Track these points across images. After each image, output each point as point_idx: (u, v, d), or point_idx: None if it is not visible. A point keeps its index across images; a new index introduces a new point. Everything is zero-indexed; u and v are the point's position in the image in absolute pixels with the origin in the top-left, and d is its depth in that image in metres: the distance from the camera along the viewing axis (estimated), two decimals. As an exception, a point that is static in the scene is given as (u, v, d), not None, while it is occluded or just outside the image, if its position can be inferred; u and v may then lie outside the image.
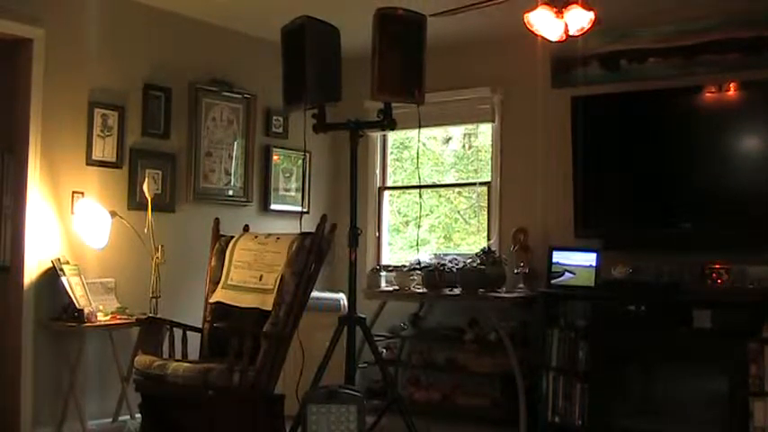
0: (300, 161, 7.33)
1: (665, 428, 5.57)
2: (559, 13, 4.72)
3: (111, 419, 5.80)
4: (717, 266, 5.69)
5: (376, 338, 5.44)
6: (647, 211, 6.09)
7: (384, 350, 6.84)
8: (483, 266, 6.36)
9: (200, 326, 5.55)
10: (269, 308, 5.10)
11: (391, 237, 7.82)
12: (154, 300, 5.83)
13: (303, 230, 5.25)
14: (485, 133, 7.28)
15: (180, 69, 6.44)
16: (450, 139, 7.66)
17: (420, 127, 5.12)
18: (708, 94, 5.92)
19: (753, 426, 5.29)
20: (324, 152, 7.59)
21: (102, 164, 5.93)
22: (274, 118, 7.17)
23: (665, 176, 6.03)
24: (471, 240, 7.38)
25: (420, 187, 7.24)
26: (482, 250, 6.56)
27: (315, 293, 5.38)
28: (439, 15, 5.03)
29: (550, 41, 5.03)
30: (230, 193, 6.83)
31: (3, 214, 5.67)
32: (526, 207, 6.75)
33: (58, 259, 5.56)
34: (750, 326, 5.39)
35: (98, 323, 5.51)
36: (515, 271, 6.51)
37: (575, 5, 4.68)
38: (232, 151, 6.83)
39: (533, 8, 4.75)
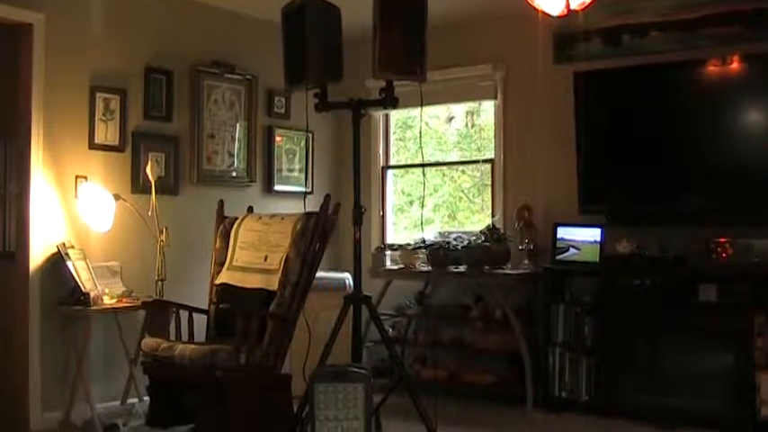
0: (303, 142, 7.32)
1: (671, 402, 5.58)
2: (560, -13, 4.69)
3: (119, 402, 5.82)
4: (722, 240, 5.69)
5: (382, 317, 5.44)
6: (650, 185, 6.07)
7: (390, 329, 6.85)
8: (488, 243, 6.37)
9: (206, 308, 5.57)
10: (274, 288, 5.12)
11: (395, 217, 7.82)
12: (159, 282, 5.84)
13: (307, 210, 5.25)
14: (487, 111, 7.26)
15: (181, 52, 6.42)
16: (452, 117, 7.63)
17: (422, 105, 5.11)
18: (711, 68, 5.90)
19: (759, 399, 5.31)
20: (326, 132, 7.58)
21: (104, 147, 5.92)
22: (276, 99, 7.16)
23: (669, 151, 6.01)
24: (476, 219, 7.38)
25: (423, 166, 7.23)
26: (486, 227, 6.57)
27: (320, 273, 5.39)
28: (439, -8, 5.02)
29: (552, 17, 5.01)
30: (234, 174, 6.83)
31: (7, 200, 5.67)
32: (530, 184, 6.74)
33: (63, 244, 5.57)
34: (755, 299, 5.40)
35: (104, 306, 5.52)
36: (520, 247, 6.52)
37: (576, -20, 4.66)
38: (235, 133, 6.82)
39: (534, -17, 4.72)
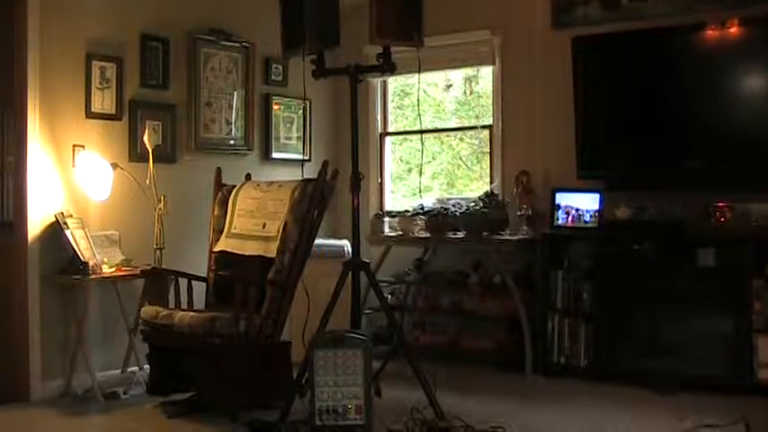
0: (301, 109, 7.30)
1: (670, 367, 5.61)
2: (558, -49, 4.67)
3: (119, 370, 5.83)
4: (720, 205, 5.69)
5: (380, 284, 5.45)
6: (649, 150, 6.06)
7: (389, 296, 6.86)
8: (486, 210, 6.37)
9: (205, 275, 5.58)
10: (273, 255, 5.13)
11: (394, 185, 7.80)
12: (158, 251, 5.84)
13: (305, 177, 5.25)
14: (485, 78, 7.23)
15: (177, 19, 6.38)
16: (450, 85, 7.61)
17: (420, 71, 5.09)
18: (710, 32, 5.85)
19: (757, 362, 5.35)
20: (324, 100, 7.55)
21: (101, 116, 5.90)
22: (274, 66, 7.12)
23: (667, 116, 5.99)
24: (474, 186, 7.36)
25: (422, 132, 7.21)
26: (485, 194, 6.57)
27: (318, 240, 5.40)
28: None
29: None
30: (231, 142, 6.80)
31: (4, 170, 5.66)
32: (528, 150, 6.72)
33: (62, 213, 5.56)
34: (754, 263, 5.42)
35: (103, 275, 5.53)
36: (518, 213, 6.51)
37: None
38: (232, 101, 6.79)
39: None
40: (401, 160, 7.87)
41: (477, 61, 7.12)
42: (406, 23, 4.60)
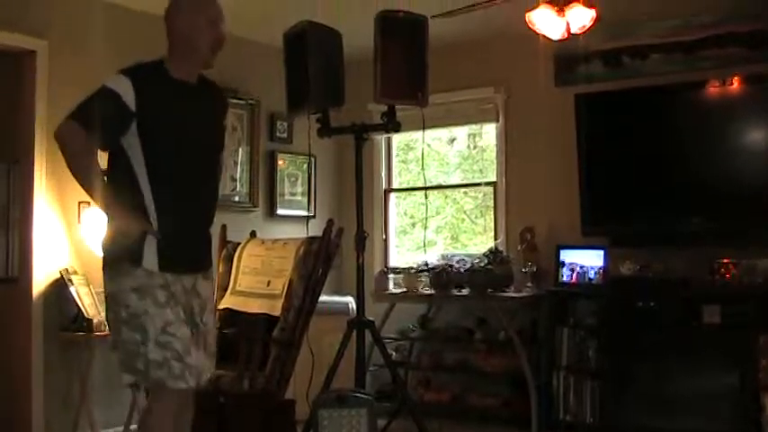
0: (306, 166, 7.33)
1: (676, 424, 5.56)
2: (561, 11, 4.73)
3: (122, 428, 5.80)
4: (725, 261, 5.68)
5: (385, 341, 5.43)
6: (653, 207, 6.07)
7: (393, 352, 6.83)
8: (490, 266, 6.36)
9: (209, 333, 5.56)
10: (278, 313, 5.11)
11: (398, 239, 7.82)
12: (162, 308, 5.82)
13: (310, 235, 5.25)
14: (489, 133, 7.28)
15: (183, 76, 6.42)
16: (454, 139, 7.66)
17: (424, 129, 5.11)
18: (711, 89, 5.92)
19: (765, 419, 5.30)
20: (329, 156, 7.58)
21: (107, 173, 5.91)
22: (278, 123, 7.17)
23: (671, 172, 6.02)
24: (478, 240, 7.38)
25: (426, 189, 7.24)
26: (489, 250, 6.57)
27: (323, 297, 5.38)
28: (440, 17, 5.03)
29: (552, 40, 5.05)
30: (236, 199, 6.83)
31: (10, 225, 5.68)
32: (532, 206, 6.75)
33: (66, 269, 5.57)
34: (760, 320, 5.39)
35: (107, 332, 5.50)
36: (523, 270, 6.50)
37: (576, 4, 4.70)
38: (237, 157, 6.83)
39: (535, 7, 4.76)
40: (405, 214, 7.88)
41: (482, 118, 7.18)
42: (411, 83, 4.62)
